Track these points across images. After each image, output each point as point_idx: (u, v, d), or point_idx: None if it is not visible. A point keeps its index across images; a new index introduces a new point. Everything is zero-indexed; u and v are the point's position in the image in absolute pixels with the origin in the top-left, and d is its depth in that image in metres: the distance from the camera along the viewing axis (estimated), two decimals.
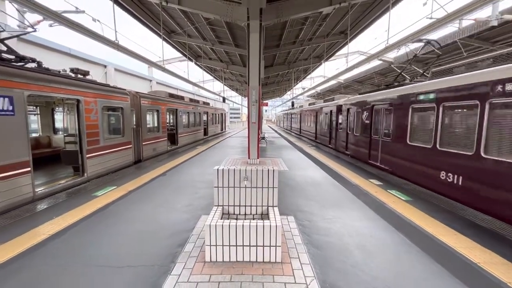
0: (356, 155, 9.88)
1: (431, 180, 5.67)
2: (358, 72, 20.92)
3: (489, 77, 4.43)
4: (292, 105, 28.74)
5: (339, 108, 12.49)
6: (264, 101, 34.34)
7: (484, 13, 9.18)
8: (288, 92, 37.96)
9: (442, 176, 5.33)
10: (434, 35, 12.22)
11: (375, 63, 18.00)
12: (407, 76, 8.38)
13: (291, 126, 29.28)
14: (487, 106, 4.42)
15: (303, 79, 25.67)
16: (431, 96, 5.69)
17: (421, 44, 8.09)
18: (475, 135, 4.61)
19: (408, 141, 6.58)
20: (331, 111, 13.89)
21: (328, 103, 14.90)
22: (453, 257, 2.94)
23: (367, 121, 8.82)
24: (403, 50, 11.08)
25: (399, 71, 8.81)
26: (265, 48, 12.67)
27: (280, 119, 49.49)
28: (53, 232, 3.51)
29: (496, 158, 4.27)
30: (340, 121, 12.42)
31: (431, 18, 7.32)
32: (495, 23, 9.00)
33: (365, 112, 9.04)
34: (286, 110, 40.18)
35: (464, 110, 5.08)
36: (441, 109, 5.41)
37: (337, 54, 16.26)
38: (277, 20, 7.83)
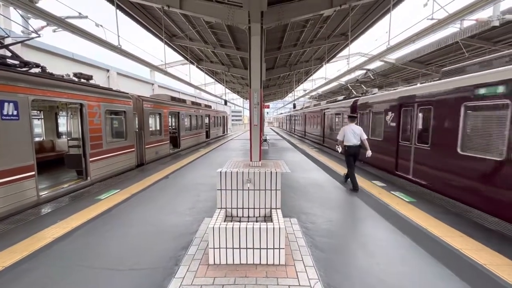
0: None
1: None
2: (360, 73, 20.91)
3: None
4: (294, 106, 29.02)
5: None
6: (266, 103, 34.40)
7: (485, 13, 9.16)
8: (290, 94, 38.00)
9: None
10: (436, 36, 12.21)
11: (376, 64, 17.99)
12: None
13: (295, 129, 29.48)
14: None
15: (304, 81, 25.65)
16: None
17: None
18: None
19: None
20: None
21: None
22: (459, 259, 2.92)
23: None
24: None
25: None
26: (266, 51, 12.69)
27: (279, 121, 51.61)
28: (57, 235, 3.53)
29: None
30: None
31: (432, 19, 7.32)
32: (496, 23, 8.98)
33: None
34: (288, 112, 42.09)
35: None
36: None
37: (338, 55, 16.23)
38: (278, 23, 7.84)
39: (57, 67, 9.91)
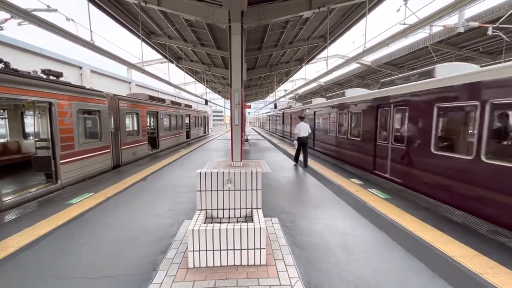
0: None
1: None
2: (338, 75, 21.52)
3: None
4: (275, 107, 29.40)
5: None
6: (247, 103, 34.38)
7: (452, 20, 9.76)
8: (271, 95, 38.29)
9: None
10: (408, 40, 12.90)
11: (354, 66, 18.60)
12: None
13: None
14: None
15: (285, 81, 25.96)
16: None
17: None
18: None
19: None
20: None
21: None
22: (430, 252, 3.07)
23: None
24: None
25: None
26: (247, 51, 12.69)
27: (260, 121, 56.71)
28: (23, 244, 3.27)
29: None
30: None
31: (404, 24, 7.69)
32: (461, 30, 9.61)
33: None
34: (263, 113, 47.89)
35: None
36: None
37: (317, 57, 16.55)
38: (258, 23, 7.85)
39: (23, 63, 9.25)
